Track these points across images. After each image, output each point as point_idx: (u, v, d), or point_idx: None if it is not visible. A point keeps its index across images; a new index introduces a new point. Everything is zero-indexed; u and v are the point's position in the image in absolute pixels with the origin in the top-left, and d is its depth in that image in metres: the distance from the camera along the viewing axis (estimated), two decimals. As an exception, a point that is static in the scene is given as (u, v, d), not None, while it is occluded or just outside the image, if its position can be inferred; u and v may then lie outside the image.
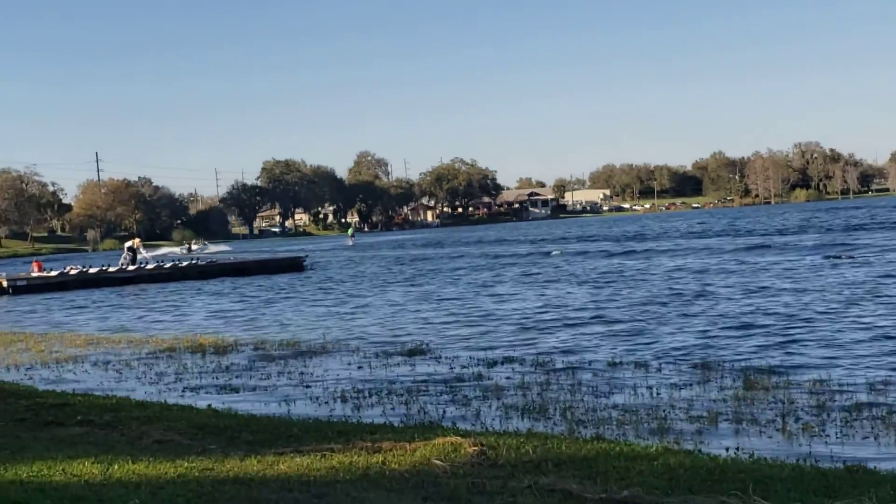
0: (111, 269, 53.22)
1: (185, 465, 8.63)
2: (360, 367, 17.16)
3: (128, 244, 58.35)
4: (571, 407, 12.40)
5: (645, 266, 42.29)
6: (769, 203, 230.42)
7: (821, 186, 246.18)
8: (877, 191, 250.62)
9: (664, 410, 12.00)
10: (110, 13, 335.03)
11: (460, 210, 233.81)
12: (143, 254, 58.49)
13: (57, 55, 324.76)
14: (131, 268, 53.52)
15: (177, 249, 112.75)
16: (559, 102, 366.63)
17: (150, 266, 54.44)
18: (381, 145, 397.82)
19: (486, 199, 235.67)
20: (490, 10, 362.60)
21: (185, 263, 56.03)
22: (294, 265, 58.05)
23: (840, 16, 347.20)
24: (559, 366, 16.11)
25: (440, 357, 17.98)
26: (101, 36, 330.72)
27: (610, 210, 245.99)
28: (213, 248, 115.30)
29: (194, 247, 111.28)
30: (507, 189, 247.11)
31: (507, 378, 15.14)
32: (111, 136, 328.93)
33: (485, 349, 18.82)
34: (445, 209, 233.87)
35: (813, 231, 66.80)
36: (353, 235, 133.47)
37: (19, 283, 50.45)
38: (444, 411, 12.61)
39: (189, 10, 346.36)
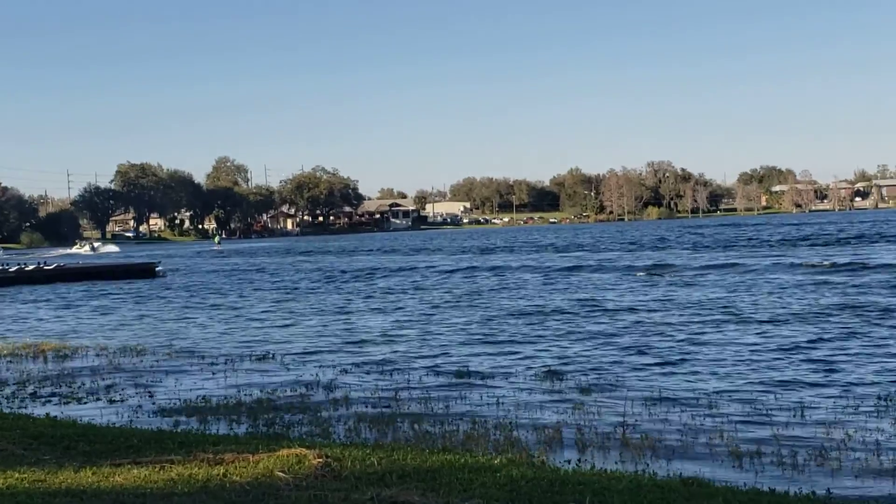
0: None
1: (16, 475, 8.29)
2: (207, 378, 16.83)
3: None
4: (420, 418, 12.41)
5: (498, 280, 42.77)
6: (623, 220, 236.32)
7: (672, 205, 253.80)
8: (725, 210, 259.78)
9: (511, 423, 12.12)
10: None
11: (321, 219, 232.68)
12: None
13: None
14: None
15: (82, 251, 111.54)
16: (422, 115, 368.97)
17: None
18: (240, 151, 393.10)
19: (348, 209, 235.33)
20: (355, 27, 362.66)
21: (30, 267, 54.06)
22: (146, 271, 56.70)
23: (690, 44, 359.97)
24: (410, 377, 16.12)
25: (289, 366, 17.82)
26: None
27: (470, 223, 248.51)
28: (104, 248, 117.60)
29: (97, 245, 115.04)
30: (369, 199, 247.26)
31: (358, 388, 15.09)
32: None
33: (333, 359, 18.71)
34: (306, 218, 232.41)
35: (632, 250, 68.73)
36: (219, 242, 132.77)
37: None
38: (292, 422, 12.46)
39: (46, 21, 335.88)
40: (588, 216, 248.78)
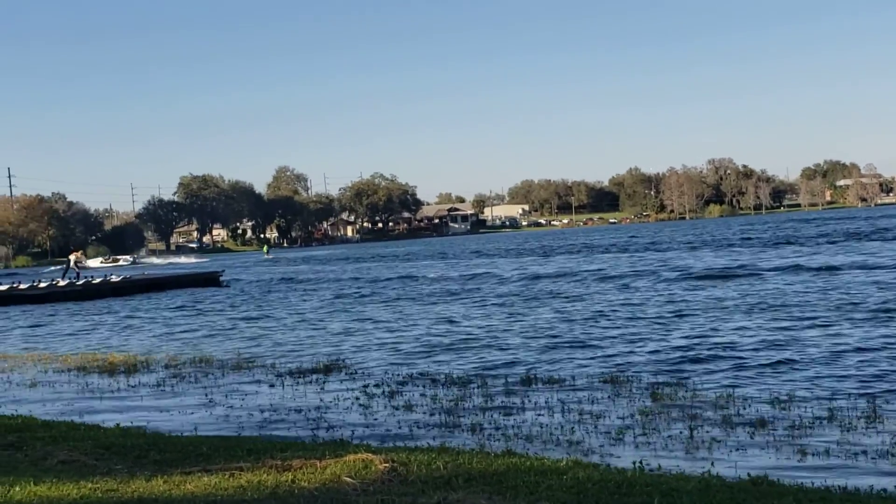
0: (60, 283, 52.53)
1: (89, 486, 8.43)
2: (272, 385, 16.98)
3: (72, 258, 57.68)
4: (483, 422, 12.43)
5: (555, 286, 42.58)
6: (684, 218, 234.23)
7: (734, 202, 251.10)
8: (788, 206, 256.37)
9: (574, 425, 12.09)
10: (17, 35, 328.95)
11: (380, 225, 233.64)
12: (77, 267, 57.70)
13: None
14: (62, 283, 52.70)
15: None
16: (480, 119, 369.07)
17: (80, 281, 53.53)
18: (300, 160, 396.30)
19: (407, 215, 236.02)
20: (414, 31, 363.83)
21: (97, 280, 54.96)
22: (210, 280, 57.37)
23: (750, 42, 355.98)
24: (471, 382, 16.12)
25: (353, 373, 17.91)
26: (7, 55, 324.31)
27: (529, 225, 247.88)
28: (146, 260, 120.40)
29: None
30: (428, 204, 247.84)
31: (420, 394, 15.13)
32: (24, 151, 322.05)
33: (397, 366, 18.79)
34: (365, 224, 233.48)
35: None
36: (268, 252, 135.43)
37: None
38: (356, 428, 12.54)
39: (100, 33, 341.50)
40: (648, 215, 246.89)
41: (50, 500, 7.87)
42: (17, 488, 8.30)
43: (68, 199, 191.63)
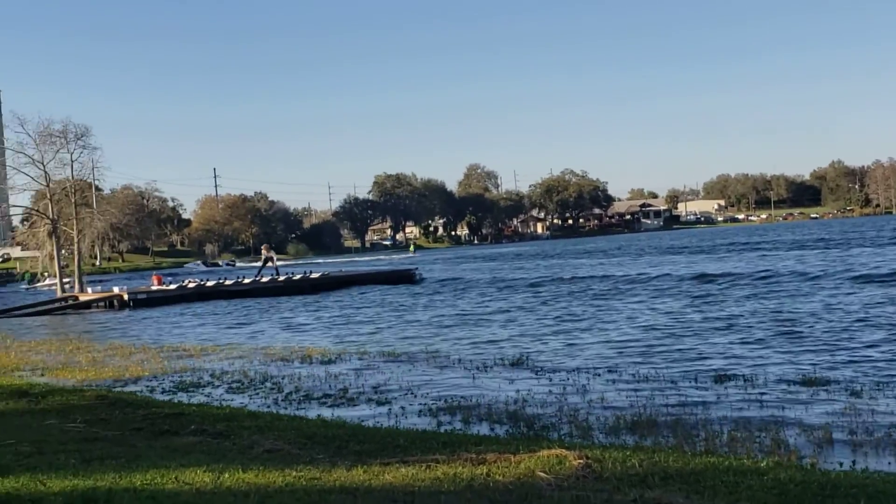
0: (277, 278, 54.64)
1: (294, 474, 8.75)
2: (465, 379, 17.18)
3: (265, 253, 59.82)
4: (680, 420, 12.22)
5: (753, 284, 41.36)
6: (891, 213, 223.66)
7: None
8: None
9: (775, 425, 11.74)
10: (225, 36, 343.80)
11: (570, 222, 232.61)
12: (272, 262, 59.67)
13: (175, 75, 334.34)
14: (266, 278, 54.68)
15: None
16: (672, 111, 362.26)
17: (281, 277, 55.43)
18: (490, 158, 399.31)
19: (597, 211, 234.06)
20: (596, 26, 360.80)
21: (297, 276, 56.84)
22: (405, 277, 58.48)
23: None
24: (666, 379, 15.90)
25: (545, 368, 17.93)
26: (216, 56, 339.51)
27: (725, 221, 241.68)
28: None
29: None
30: (619, 200, 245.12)
31: (613, 390, 15.03)
32: (228, 152, 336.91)
33: (589, 360, 18.69)
34: (556, 221, 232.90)
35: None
36: (414, 251, 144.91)
37: (139, 296, 51.95)
38: (550, 423, 12.53)
39: (301, 32, 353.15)
40: (852, 210, 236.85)
41: (257, 486, 8.20)
42: (227, 475, 8.69)
43: (269, 198, 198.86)
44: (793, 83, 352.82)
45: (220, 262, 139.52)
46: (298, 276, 56.41)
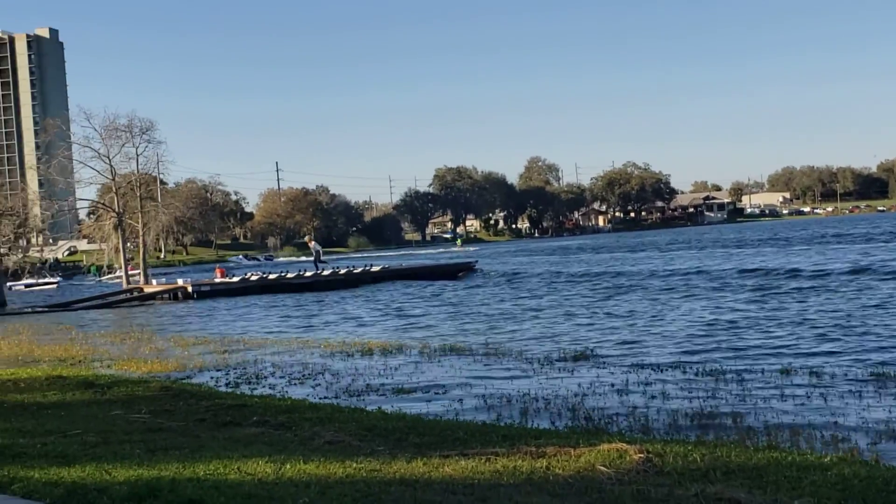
0: (318, 273, 54.89)
1: (354, 465, 8.80)
2: (524, 372, 17.16)
3: (312, 244, 59.81)
4: (741, 415, 12.09)
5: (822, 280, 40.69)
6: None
7: None
8: None
9: (839, 420, 11.58)
10: (289, 28, 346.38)
11: (633, 215, 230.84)
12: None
13: (238, 68, 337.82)
14: (308, 273, 54.88)
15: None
16: (737, 103, 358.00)
17: (326, 272, 55.64)
18: (551, 150, 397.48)
19: (660, 204, 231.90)
20: (660, 20, 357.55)
21: (358, 270, 57.20)
22: (464, 270, 58.52)
23: None
24: (728, 373, 15.73)
25: (607, 362, 17.84)
26: (279, 50, 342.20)
27: (790, 213, 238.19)
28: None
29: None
30: (682, 193, 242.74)
31: (675, 385, 14.90)
32: (290, 146, 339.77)
33: (653, 355, 18.55)
34: (617, 214, 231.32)
35: None
36: (461, 244, 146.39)
37: (203, 288, 52.66)
38: (610, 417, 12.48)
39: (364, 25, 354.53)
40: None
41: (317, 477, 8.26)
42: (288, 466, 8.77)
43: (331, 192, 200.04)
44: (858, 76, 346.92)
45: (259, 257, 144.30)
46: (359, 270, 56.81)
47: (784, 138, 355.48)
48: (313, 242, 60.71)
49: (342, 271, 56.13)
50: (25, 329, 33.13)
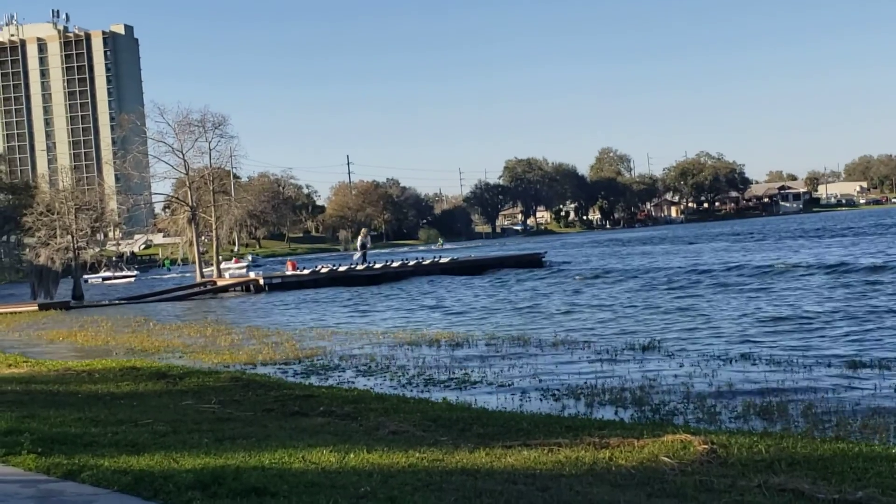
0: (359, 268, 54.95)
1: (417, 455, 8.87)
2: (590, 363, 17.11)
3: (360, 238, 59.31)
4: (808, 406, 11.94)
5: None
6: None
7: None
8: None
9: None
10: (357, 16, 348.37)
11: (706, 205, 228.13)
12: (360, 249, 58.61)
13: (309, 58, 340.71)
14: (360, 267, 54.70)
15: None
16: (811, 91, 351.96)
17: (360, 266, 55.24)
18: (623, 141, 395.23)
19: (734, 194, 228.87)
20: (733, 4, 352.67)
21: (427, 261, 57.50)
22: (534, 262, 58.43)
23: None
24: (796, 365, 15.52)
25: (672, 354, 17.71)
26: (347, 38, 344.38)
27: (867, 203, 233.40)
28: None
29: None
30: (756, 183, 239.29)
31: (741, 376, 14.75)
32: (361, 139, 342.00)
33: (721, 346, 18.37)
34: (690, 204, 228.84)
35: None
36: (442, 244, 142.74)
37: (275, 280, 53.32)
38: (675, 409, 12.40)
39: (431, 13, 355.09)
40: None
41: (381, 467, 8.34)
42: (352, 455, 8.87)
43: (401, 185, 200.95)
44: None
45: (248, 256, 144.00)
46: (428, 262, 57.12)
47: (861, 126, 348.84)
48: (361, 238, 59.41)
49: (411, 263, 56.47)
50: (103, 321, 33.88)
